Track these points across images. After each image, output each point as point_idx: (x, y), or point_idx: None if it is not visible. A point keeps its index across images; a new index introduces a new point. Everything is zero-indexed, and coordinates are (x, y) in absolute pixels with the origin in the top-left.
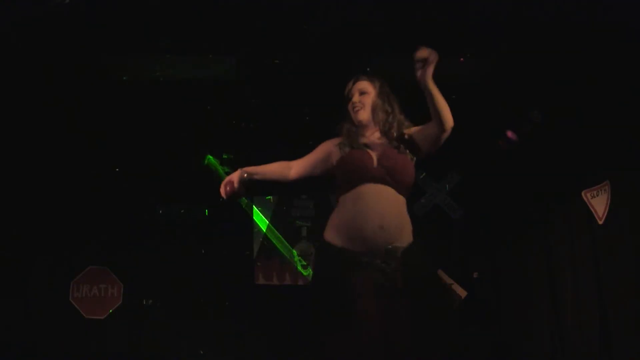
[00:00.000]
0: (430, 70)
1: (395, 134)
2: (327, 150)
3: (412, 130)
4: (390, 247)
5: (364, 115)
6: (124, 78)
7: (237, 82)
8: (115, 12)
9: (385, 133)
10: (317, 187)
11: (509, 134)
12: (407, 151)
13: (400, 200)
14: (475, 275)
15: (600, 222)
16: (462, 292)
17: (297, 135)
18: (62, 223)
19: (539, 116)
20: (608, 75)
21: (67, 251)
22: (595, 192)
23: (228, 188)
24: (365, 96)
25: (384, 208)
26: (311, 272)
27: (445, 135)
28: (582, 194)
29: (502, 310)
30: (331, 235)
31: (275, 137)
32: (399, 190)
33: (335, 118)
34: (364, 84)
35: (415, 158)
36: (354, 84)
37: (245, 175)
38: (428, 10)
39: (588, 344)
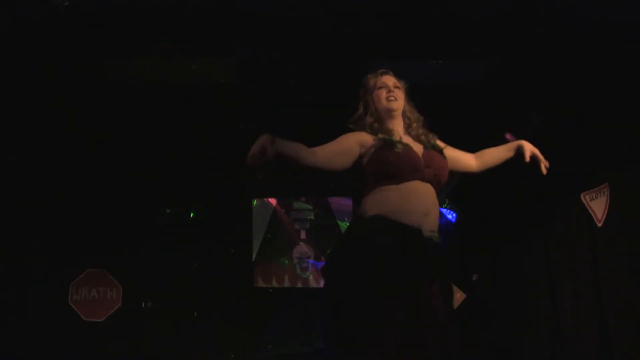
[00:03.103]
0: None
1: (428, 140)
2: (351, 143)
3: (446, 147)
4: (432, 232)
5: (399, 105)
6: (124, 79)
7: (237, 83)
8: (115, 14)
9: (416, 137)
10: (316, 191)
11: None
12: (445, 157)
13: (437, 198)
14: (474, 277)
15: (600, 225)
16: (460, 295)
17: (297, 136)
18: (61, 225)
19: (538, 118)
20: (608, 76)
21: (66, 253)
22: (594, 195)
23: (259, 151)
24: (398, 90)
25: (428, 201)
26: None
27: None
28: (581, 196)
29: (501, 311)
30: (376, 213)
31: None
32: (437, 189)
33: (333, 119)
34: (394, 79)
35: None
36: (381, 75)
37: (273, 143)
38: (428, 12)
39: (587, 345)
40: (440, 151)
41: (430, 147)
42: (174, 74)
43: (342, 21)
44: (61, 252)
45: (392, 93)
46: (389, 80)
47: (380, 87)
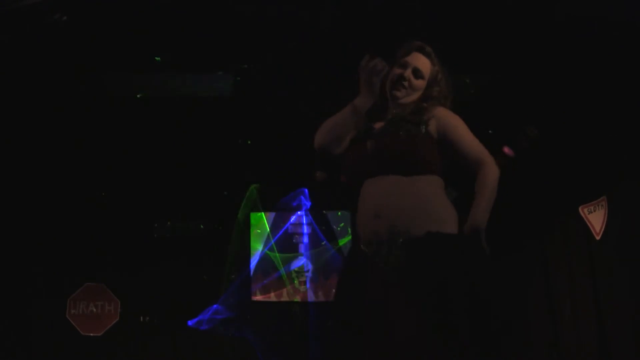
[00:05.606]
0: None
1: (410, 118)
2: None
3: (452, 125)
4: (392, 232)
5: (406, 98)
6: (124, 93)
7: (235, 98)
8: (114, 29)
9: (402, 121)
10: (315, 204)
11: (506, 149)
12: (420, 128)
13: (409, 182)
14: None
15: (598, 238)
16: None
17: (297, 150)
18: (59, 239)
19: (536, 132)
20: (606, 92)
21: (63, 268)
22: (592, 208)
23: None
24: (420, 81)
25: (379, 196)
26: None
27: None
28: (579, 209)
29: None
30: None
31: (272, 151)
32: (407, 172)
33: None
34: (424, 63)
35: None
36: (415, 51)
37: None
38: (426, 26)
39: (587, 358)
40: (417, 124)
41: (405, 129)
42: (174, 88)
43: (337, 34)
44: (59, 266)
45: (405, 81)
46: (416, 61)
47: (400, 66)
